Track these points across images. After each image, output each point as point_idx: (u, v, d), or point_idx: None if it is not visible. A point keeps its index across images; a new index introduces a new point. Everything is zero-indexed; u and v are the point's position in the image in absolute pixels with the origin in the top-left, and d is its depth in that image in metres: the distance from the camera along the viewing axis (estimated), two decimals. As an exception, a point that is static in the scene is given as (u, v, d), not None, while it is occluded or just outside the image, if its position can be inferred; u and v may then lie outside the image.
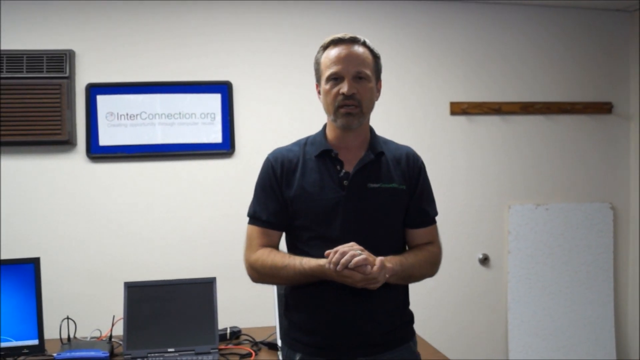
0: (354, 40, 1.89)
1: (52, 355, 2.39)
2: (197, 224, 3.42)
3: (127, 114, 3.34)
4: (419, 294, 2.22)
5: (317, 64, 1.94)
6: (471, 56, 3.66)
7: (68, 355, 2.37)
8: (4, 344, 2.39)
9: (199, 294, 2.55)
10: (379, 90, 1.96)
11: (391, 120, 3.58)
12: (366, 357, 1.86)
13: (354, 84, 1.85)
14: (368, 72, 1.88)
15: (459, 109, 3.64)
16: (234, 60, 3.44)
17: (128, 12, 3.35)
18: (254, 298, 3.32)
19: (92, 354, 2.39)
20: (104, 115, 3.32)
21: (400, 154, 1.97)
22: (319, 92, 1.96)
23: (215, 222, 3.43)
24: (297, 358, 1.92)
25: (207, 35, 3.42)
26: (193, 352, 2.44)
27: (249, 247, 2.02)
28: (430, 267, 1.94)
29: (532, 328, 3.72)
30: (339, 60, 1.86)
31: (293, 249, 1.97)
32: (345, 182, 1.88)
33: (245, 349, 2.56)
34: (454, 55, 3.63)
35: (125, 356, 2.41)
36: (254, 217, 2.01)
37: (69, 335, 2.57)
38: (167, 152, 3.38)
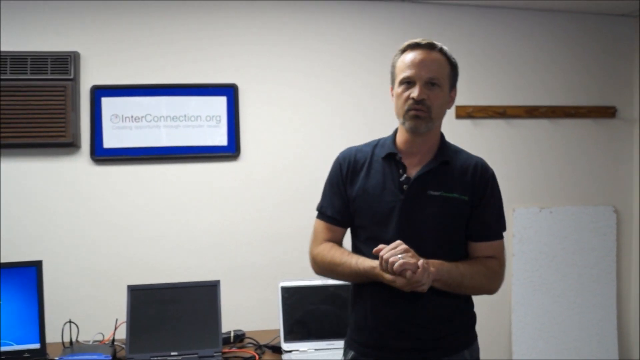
0: (430, 46, 1.91)
1: (54, 359, 2.39)
2: (201, 227, 3.41)
3: (132, 116, 3.33)
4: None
5: (393, 67, 1.97)
6: (476, 60, 3.65)
7: (70, 358, 2.36)
8: (5, 348, 2.39)
9: (202, 297, 2.54)
10: (452, 99, 1.97)
11: (397, 122, 3.56)
12: None
13: (425, 90, 1.86)
14: (441, 79, 1.89)
15: (464, 112, 3.63)
16: (240, 63, 3.44)
17: (133, 14, 3.35)
18: (258, 301, 3.33)
19: (94, 357, 2.39)
20: (109, 118, 3.31)
21: (468, 164, 1.94)
22: (392, 95, 1.97)
23: (220, 225, 3.43)
24: (350, 356, 1.98)
25: (213, 37, 3.41)
26: (196, 355, 2.43)
27: (314, 241, 2.07)
28: (486, 281, 1.90)
29: (535, 330, 3.71)
30: (413, 64, 1.88)
31: (353, 247, 2.02)
32: (405, 186, 1.90)
33: (249, 352, 2.55)
34: (459, 58, 3.51)
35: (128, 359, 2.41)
36: (321, 212, 2.08)
37: (71, 339, 2.57)
38: (172, 155, 3.37)
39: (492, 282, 1.92)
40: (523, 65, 3.72)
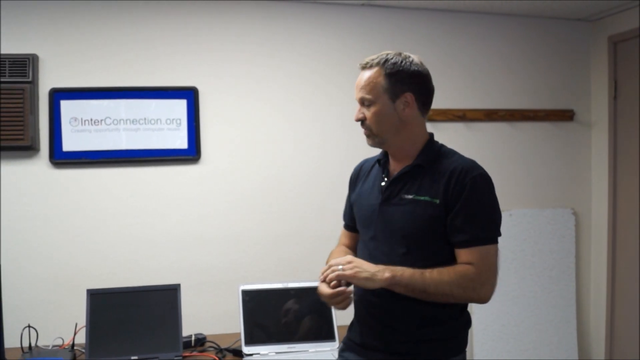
0: (364, 65, 1.97)
1: (13, 365, 2.36)
2: (161, 230, 3.39)
3: (91, 119, 3.30)
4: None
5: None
6: (435, 64, 3.65)
7: (29, 363, 2.34)
8: (-37, 353, 2.35)
9: (163, 300, 2.54)
10: (408, 103, 1.92)
11: (357, 125, 3.59)
12: None
13: (362, 110, 1.97)
14: (372, 95, 1.92)
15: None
16: (200, 66, 3.43)
17: (92, 16, 3.31)
18: (218, 305, 3.32)
19: (53, 362, 2.36)
20: (68, 121, 3.28)
21: (448, 167, 1.90)
22: None
23: (180, 228, 3.41)
24: (340, 348, 2.13)
25: (173, 40, 3.40)
26: (157, 359, 2.42)
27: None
28: (457, 290, 1.82)
29: (495, 332, 3.76)
30: (355, 87, 1.98)
31: None
32: (384, 190, 1.97)
33: (210, 356, 2.55)
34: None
35: (88, 364, 2.39)
36: (343, 219, 2.25)
37: (30, 344, 2.54)
38: (132, 158, 3.34)
39: (467, 291, 1.83)
40: (482, 69, 3.78)
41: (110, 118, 3.32)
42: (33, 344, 2.56)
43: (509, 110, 3.79)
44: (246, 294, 2.59)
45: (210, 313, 3.25)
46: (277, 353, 2.48)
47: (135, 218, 3.37)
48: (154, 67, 3.37)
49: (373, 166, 2.10)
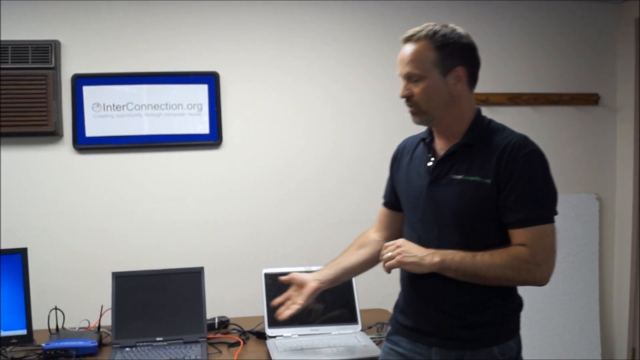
0: (409, 38, 1.86)
1: (41, 345, 2.39)
2: (184, 215, 3.41)
3: (113, 105, 3.31)
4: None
5: None
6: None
7: (56, 345, 2.37)
8: (-8, 334, 2.38)
9: (187, 283, 2.55)
10: (459, 78, 1.85)
11: (379, 112, 3.59)
12: (441, 349, 1.87)
13: (408, 86, 1.86)
14: (421, 69, 1.82)
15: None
16: (221, 51, 3.43)
17: (114, 1, 3.32)
18: (241, 288, 3.33)
19: (80, 343, 2.39)
20: (90, 106, 3.29)
21: (499, 144, 1.81)
22: None
23: (203, 212, 3.42)
24: (387, 331, 2.08)
25: (193, 25, 3.40)
26: (181, 341, 2.44)
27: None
28: (511, 272, 1.76)
29: (519, 318, 3.74)
30: (398, 62, 1.88)
31: None
32: (431, 170, 1.91)
33: (234, 338, 2.56)
34: None
35: (114, 346, 2.41)
36: (383, 197, 2.20)
37: (57, 326, 2.58)
38: (154, 143, 3.35)
39: (521, 273, 1.76)
40: (505, 52, 3.73)
41: (132, 103, 3.33)
42: (60, 326, 2.59)
43: (532, 94, 3.74)
44: (269, 277, 2.59)
45: (233, 297, 3.26)
46: (300, 336, 2.49)
47: (157, 203, 3.38)
48: (175, 52, 3.38)
49: (417, 145, 2.02)
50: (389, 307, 2.93)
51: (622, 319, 3.85)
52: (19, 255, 2.44)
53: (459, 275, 1.79)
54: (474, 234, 1.82)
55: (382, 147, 3.58)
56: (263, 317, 2.54)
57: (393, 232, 2.12)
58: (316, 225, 3.53)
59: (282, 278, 2.25)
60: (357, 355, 2.25)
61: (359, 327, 2.55)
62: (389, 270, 1.88)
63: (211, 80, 3.39)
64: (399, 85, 1.85)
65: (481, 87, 3.67)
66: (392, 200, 2.12)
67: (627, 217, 3.81)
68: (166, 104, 3.36)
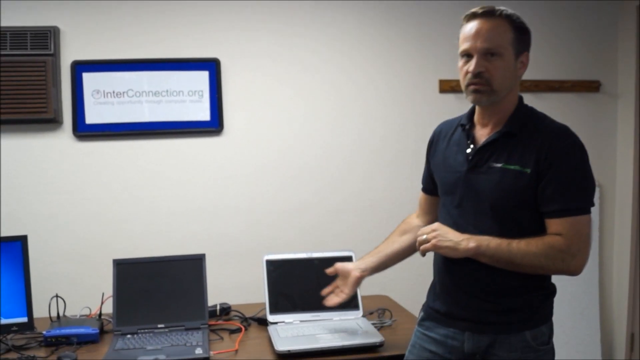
0: (488, 14, 1.82)
1: (42, 333, 2.39)
2: (185, 202, 3.41)
3: (113, 92, 3.30)
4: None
5: (458, 39, 1.90)
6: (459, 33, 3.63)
7: (57, 332, 2.36)
8: (-7, 322, 2.38)
9: (188, 270, 2.55)
10: (524, 64, 1.87)
11: (380, 97, 3.58)
12: (474, 334, 1.89)
13: (482, 62, 1.80)
14: (501, 47, 1.80)
15: (448, 86, 3.63)
16: (222, 38, 3.41)
17: (114, -12, 3.31)
18: (243, 275, 3.34)
19: (81, 330, 2.39)
20: (90, 93, 3.28)
21: (539, 134, 1.81)
22: None
23: (204, 199, 3.42)
24: (420, 316, 2.08)
25: (194, 12, 3.38)
26: (183, 328, 2.44)
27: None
28: (545, 261, 1.77)
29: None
30: (469, 36, 1.82)
31: None
32: (470, 157, 1.90)
33: (235, 324, 2.56)
34: (443, 32, 3.62)
35: (115, 333, 2.41)
36: (422, 182, 2.22)
37: (58, 313, 2.57)
38: (154, 130, 3.35)
39: (556, 262, 1.77)
40: (507, 39, 3.71)
41: (132, 90, 3.31)
42: (61, 314, 2.58)
43: (534, 81, 3.73)
44: (270, 264, 2.58)
45: (235, 283, 3.27)
46: (301, 322, 2.49)
47: (158, 190, 3.38)
48: (176, 38, 3.36)
49: (455, 130, 2.01)
50: (390, 293, 2.95)
51: (621, 305, 3.86)
52: (19, 243, 2.43)
53: (493, 262, 1.80)
54: (511, 221, 1.83)
55: (382, 134, 3.60)
56: (265, 303, 2.54)
57: (434, 216, 2.10)
58: (317, 211, 3.53)
59: (328, 270, 2.31)
60: (358, 341, 2.25)
61: (360, 313, 2.55)
62: (423, 253, 1.90)
63: (212, 66, 3.37)
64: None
65: (483, 74, 3.70)
66: (430, 185, 2.13)
67: (627, 203, 3.81)
68: (167, 91, 3.34)
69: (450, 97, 3.65)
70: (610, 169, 3.89)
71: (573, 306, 3.79)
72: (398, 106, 3.60)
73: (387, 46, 3.56)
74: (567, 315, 3.79)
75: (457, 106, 3.60)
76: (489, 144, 1.87)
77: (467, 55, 1.84)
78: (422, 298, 2.13)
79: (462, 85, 1.88)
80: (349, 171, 3.56)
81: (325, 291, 2.30)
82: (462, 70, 1.86)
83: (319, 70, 3.52)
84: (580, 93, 3.83)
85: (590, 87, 3.83)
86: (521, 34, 1.85)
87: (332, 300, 2.26)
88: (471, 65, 1.81)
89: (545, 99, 3.77)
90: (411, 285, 3.26)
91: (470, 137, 1.93)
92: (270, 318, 2.49)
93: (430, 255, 2.19)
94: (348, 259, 2.58)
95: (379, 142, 3.60)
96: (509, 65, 1.82)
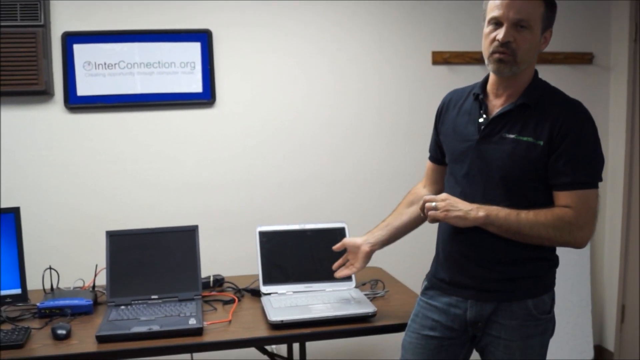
0: None
1: (36, 305, 2.40)
2: (178, 174, 3.41)
3: (105, 64, 3.27)
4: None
5: (485, 5, 1.89)
6: (453, 5, 3.62)
7: (51, 303, 2.37)
8: (-15, 294, 2.39)
9: (181, 241, 2.55)
10: (547, 40, 1.89)
11: (372, 69, 3.56)
12: (477, 301, 1.92)
13: (512, 32, 1.80)
14: (531, 20, 1.80)
15: (440, 58, 3.62)
16: (214, 8, 3.37)
17: (104, -42, 3.26)
18: (236, 248, 3.35)
19: (75, 302, 2.40)
20: (82, 65, 3.25)
21: (554, 108, 1.84)
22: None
23: (196, 172, 3.42)
24: (424, 285, 2.11)
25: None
26: (176, 299, 2.45)
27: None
28: (554, 232, 1.80)
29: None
30: (502, 4, 1.81)
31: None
32: (482, 127, 1.90)
33: (229, 295, 2.58)
34: (435, 3, 3.60)
35: (109, 304, 2.42)
36: (429, 151, 2.22)
37: (52, 285, 2.58)
38: (146, 102, 3.33)
39: (563, 234, 1.81)
40: (500, 10, 3.69)
41: (124, 62, 3.29)
42: (55, 286, 2.59)
43: (526, 52, 3.71)
44: (263, 235, 2.59)
45: (228, 256, 3.28)
46: (294, 292, 2.50)
47: (151, 162, 3.38)
48: (167, 9, 3.33)
49: (466, 99, 2.01)
50: (383, 264, 2.96)
51: (612, 277, 3.90)
52: (12, 215, 2.43)
53: (501, 232, 1.83)
54: (520, 192, 1.86)
55: (378, 105, 3.59)
56: (258, 275, 2.55)
57: (441, 186, 2.12)
58: (311, 184, 3.54)
59: (335, 247, 2.31)
60: (351, 312, 2.27)
61: (353, 284, 2.56)
62: (432, 221, 1.90)
63: (204, 38, 3.35)
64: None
65: (476, 46, 3.65)
66: (437, 154, 2.15)
67: (619, 173, 3.83)
68: (158, 62, 3.32)
69: (442, 69, 3.64)
70: (602, 140, 3.85)
71: (564, 278, 3.81)
72: (390, 79, 3.59)
73: (378, 17, 3.53)
74: (558, 286, 3.78)
75: (450, 78, 3.63)
76: (503, 114, 1.88)
77: (496, 23, 1.83)
78: (416, 270, 2.15)
79: (486, 52, 1.88)
80: (344, 143, 3.56)
81: (336, 264, 2.31)
82: (488, 37, 1.86)
83: (313, 41, 3.50)
84: (573, 65, 3.82)
85: (583, 59, 3.82)
86: (551, 10, 1.86)
87: (343, 272, 2.28)
88: (500, 34, 1.81)
89: (538, 70, 3.75)
90: (404, 257, 3.29)
91: (483, 106, 1.94)
92: (264, 289, 2.51)
93: (422, 228, 2.22)
94: (341, 230, 2.60)
95: (376, 114, 3.59)
96: (535, 39, 1.84)
